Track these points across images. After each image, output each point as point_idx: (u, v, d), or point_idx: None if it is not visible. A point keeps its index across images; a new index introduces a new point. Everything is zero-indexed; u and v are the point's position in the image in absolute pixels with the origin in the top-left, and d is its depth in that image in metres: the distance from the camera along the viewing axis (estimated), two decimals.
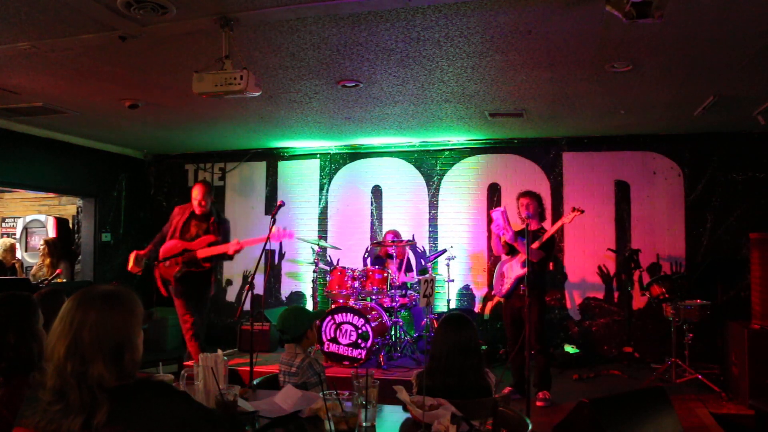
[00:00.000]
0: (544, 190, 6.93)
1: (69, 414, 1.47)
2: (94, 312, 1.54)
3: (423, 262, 7.17)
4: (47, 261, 7.09)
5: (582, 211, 5.01)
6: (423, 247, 7.31)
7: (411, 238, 6.93)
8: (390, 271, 6.18)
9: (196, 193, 5.45)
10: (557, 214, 6.86)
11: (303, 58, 4.16)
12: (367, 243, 7.42)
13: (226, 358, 2.40)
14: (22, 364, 2.06)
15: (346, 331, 5.84)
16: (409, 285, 6.64)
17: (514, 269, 5.11)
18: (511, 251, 5.19)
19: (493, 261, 7.05)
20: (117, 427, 1.46)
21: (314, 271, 7.01)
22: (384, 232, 7.01)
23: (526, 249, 4.42)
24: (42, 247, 7.19)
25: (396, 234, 6.76)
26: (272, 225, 4.63)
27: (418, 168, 7.42)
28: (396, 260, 6.52)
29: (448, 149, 7.28)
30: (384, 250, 6.70)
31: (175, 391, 1.60)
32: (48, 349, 1.55)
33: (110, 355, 1.52)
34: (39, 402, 1.52)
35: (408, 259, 6.86)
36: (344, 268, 6.27)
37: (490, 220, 5.26)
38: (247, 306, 6.96)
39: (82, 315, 1.54)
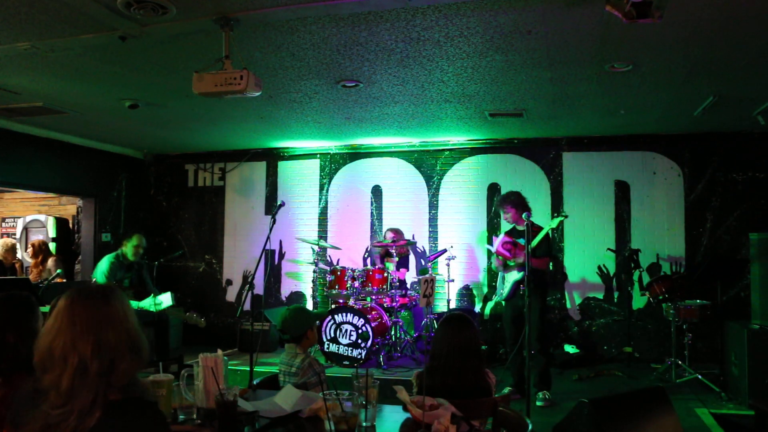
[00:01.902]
0: (544, 190, 6.94)
1: (68, 417, 1.42)
2: (110, 307, 1.52)
3: (423, 262, 7.18)
4: (33, 262, 7.13)
5: (566, 216, 5.30)
6: (423, 247, 7.32)
7: (411, 238, 6.95)
8: (390, 271, 6.18)
9: (142, 241, 5.87)
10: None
11: (303, 58, 4.16)
12: (367, 243, 7.42)
13: (226, 358, 2.39)
14: (22, 365, 2.05)
15: (346, 331, 5.84)
16: (408, 284, 6.64)
17: (514, 273, 5.15)
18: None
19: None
20: None
21: (314, 271, 7.01)
22: (384, 231, 7.00)
23: (525, 253, 4.36)
24: (29, 251, 7.24)
25: (396, 232, 6.73)
26: (272, 225, 4.63)
27: (418, 168, 7.42)
28: (395, 258, 6.53)
29: (448, 149, 7.28)
30: (384, 249, 6.70)
31: (163, 419, 1.56)
32: (58, 350, 1.46)
33: (132, 349, 1.50)
34: (38, 406, 1.46)
35: (407, 257, 6.87)
36: (344, 268, 6.27)
37: (488, 240, 5.42)
38: (247, 306, 6.97)
39: (106, 311, 1.51)
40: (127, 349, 1.49)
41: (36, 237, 8.14)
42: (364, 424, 2.07)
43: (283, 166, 7.92)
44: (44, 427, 1.43)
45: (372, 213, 7.56)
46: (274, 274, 7.82)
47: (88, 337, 1.46)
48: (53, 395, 1.44)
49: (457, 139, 7.12)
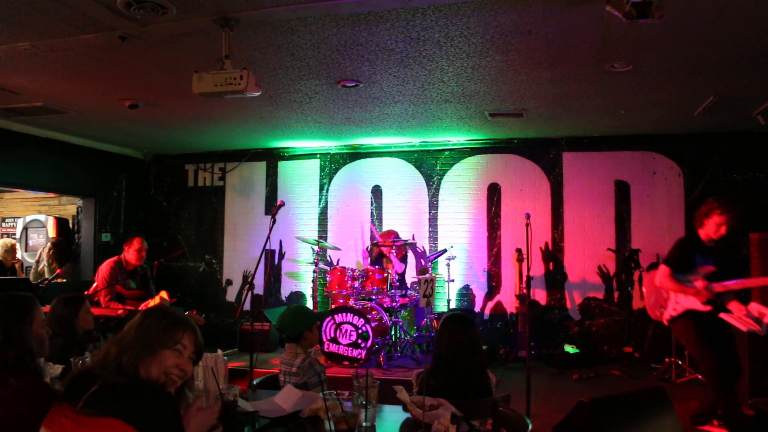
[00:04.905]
0: (544, 190, 6.94)
1: None
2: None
3: (423, 262, 7.17)
4: (54, 265, 7.02)
5: None
6: (423, 247, 7.31)
7: (411, 238, 6.94)
8: (390, 271, 6.18)
9: (143, 243, 5.63)
10: (557, 214, 6.87)
11: (303, 58, 4.16)
12: (368, 243, 7.42)
13: (226, 358, 2.39)
14: (11, 367, 2.03)
15: (346, 331, 5.84)
16: (408, 284, 6.63)
17: (687, 298, 4.07)
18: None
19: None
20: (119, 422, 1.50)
21: (314, 271, 7.01)
22: (378, 234, 6.99)
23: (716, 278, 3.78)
24: (50, 252, 7.14)
25: (381, 234, 6.71)
26: (272, 225, 4.63)
27: (418, 168, 7.42)
28: (395, 255, 6.53)
29: (448, 149, 7.28)
30: (381, 248, 6.69)
31: (176, 409, 1.62)
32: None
33: None
34: None
35: (406, 255, 6.86)
36: (344, 268, 6.27)
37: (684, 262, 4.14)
38: (247, 306, 6.96)
39: None
40: None
41: (40, 236, 8.10)
42: (364, 424, 2.08)
43: (283, 166, 7.92)
44: None
45: (372, 213, 7.56)
46: (274, 274, 7.81)
47: None
48: None
49: (457, 139, 7.12)
